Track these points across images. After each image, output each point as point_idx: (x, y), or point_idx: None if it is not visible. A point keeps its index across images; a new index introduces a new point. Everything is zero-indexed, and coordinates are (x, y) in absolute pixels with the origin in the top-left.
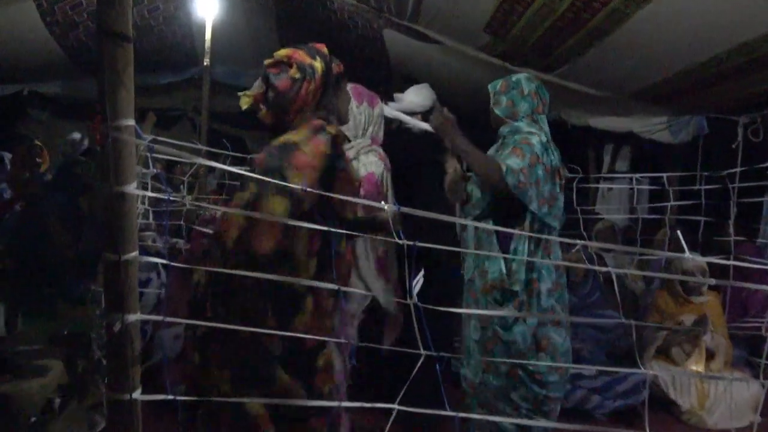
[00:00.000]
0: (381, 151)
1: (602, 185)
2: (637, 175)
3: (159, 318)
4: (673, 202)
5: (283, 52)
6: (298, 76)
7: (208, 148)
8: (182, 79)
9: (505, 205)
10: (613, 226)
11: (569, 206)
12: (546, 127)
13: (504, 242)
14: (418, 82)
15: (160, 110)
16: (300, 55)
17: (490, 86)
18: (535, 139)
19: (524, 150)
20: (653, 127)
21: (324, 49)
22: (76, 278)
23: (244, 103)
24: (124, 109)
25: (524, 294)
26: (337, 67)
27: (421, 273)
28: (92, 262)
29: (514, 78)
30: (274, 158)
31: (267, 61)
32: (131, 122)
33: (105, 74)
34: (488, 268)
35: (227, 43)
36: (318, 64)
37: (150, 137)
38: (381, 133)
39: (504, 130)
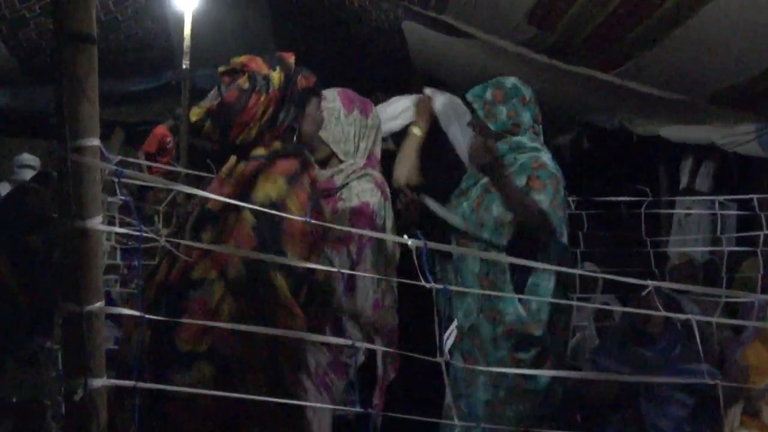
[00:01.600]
0: (378, 174)
1: (678, 210)
2: (721, 198)
3: (130, 383)
4: (766, 231)
5: (239, 59)
6: (246, 86)
7: (187, 171)
8: (156, 85)
9: (528, 235)
10: (692, 261)
11: (636, 236)
12: (542, 140)
13: (520, 278)
14: (444, 84)
15: (130, 124)
16: (256, 63)
17: (471, 94)
18: (545, 157)
19: (541, 176)
20: (739, 137)
21: (291, 58)
22: (26, 333)
23: (194, 115)
24: (87, 125)
25: (547, 339)
26: (304, 80)
27: (454, 324)
28: (46, 314)
29: (508, 84)
30: (264, 227)
31: (221, 69)
32: (95, 141)
33: (63, 83)
34: (503, 308)
35: (211, 42)
36: (275, 75)
37: (117, 158)
38: (378, 150)
39: (503, 148)
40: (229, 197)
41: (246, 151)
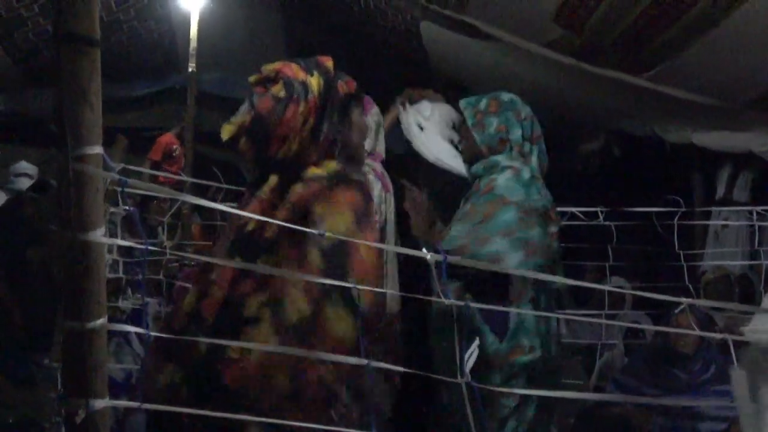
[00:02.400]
0: (378, 167)
1: (714, 221)
2: (759, 208)
3: (134, 404)
4: None
5: (271, 66)
6: (282, 94)
7: (193, 180)
8: (161, 89)
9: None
10: (728, 275)
11: (670, 250)
12: (535, 160)
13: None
14: (465, 88)
15: (134, 130)
16: (291, 69)
17: (464, 102)
18: (501, 178)
19: (485, 199)
20: None
21: (329, 62)
22: (23, 351)
23: (226, 132)
24: (89, 132)
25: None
26: (346, 85)
27: (476, 343)
28: (45, 331)
29: (506, 97)
30: (332, 271)
31: (252, 78)
32: (98, 149)
33: (64, 88)
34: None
35: (218, 44)
36: (314, 81)
37: (120, 166)
38: (382, 147)
39: (478, 168)
40: (284, 225)
41: (288, 167)
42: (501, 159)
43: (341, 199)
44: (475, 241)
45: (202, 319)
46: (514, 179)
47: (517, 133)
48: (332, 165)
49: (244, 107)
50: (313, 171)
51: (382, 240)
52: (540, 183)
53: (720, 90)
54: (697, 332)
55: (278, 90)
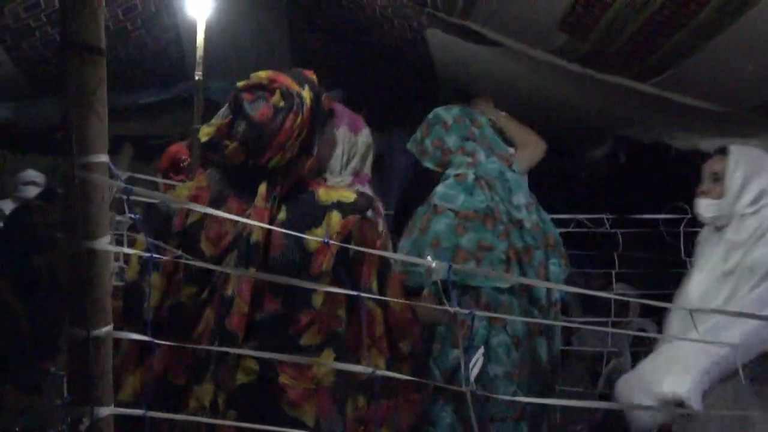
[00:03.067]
0: (367, 191)
1: None
2: None
3: (140, 412)
4: None
5: (263, 74)
6: (282, 104)
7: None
8: (168, 97)
9: None
10: None
11: (676, 257)
12: (481, 157)
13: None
14: (471, 95)
15: (139, 138)
16: (285, 79)
17: (409, 143)
18: (440, 187)
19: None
20: None
21: (313, 76)
22: (29, 359)
23: (204, 134)
24: (95, 140)
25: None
26: (327, 101)
27: (481, 350)
28: (51, 339)
29: (430, 116)
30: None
31: (240, 84)
32: (104, 158)
33: (70, 96)
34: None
35: (225, 52)
36: (306, 94)
37: (126, 174)
38: (368, 169)
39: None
40: (336, 258)
41: (276, 177)
42: (451, 171)
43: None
44: (414, 255)
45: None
46: (453, 185)
47: (451, 139)
48: (349, 195)
49: (224, 110)
50: (333, 195)
51: None
52: (490, 183)
53: (727, 96)
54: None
55: (278, 100)
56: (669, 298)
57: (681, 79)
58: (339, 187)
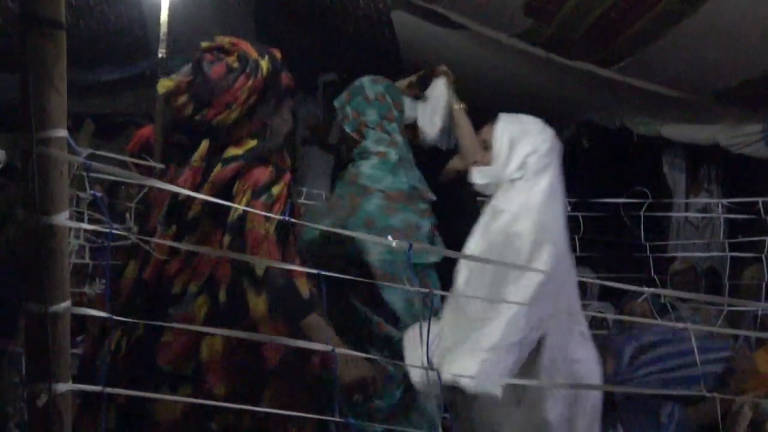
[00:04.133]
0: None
1: (679, 213)
2: (725, 201)
3: (97, 388)
4: None
5: (227, 39)
6: (236, 65)
7: (162, 166)
8: (130, 75)
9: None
10: (693, 267)
11: (636, 242)
12: (400, 138)
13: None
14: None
15: (101, 116)
16: (246, 46)
17: (336, 101)
18: (364, 166)
19: (350, 192)
20: (745, 138)
21: (278, 54)
22: None
23: (162, 87)
24: (54, 115)
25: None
26: (288, 79)
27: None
28: (10, 316)
29: (356, 83)
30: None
31: (204, 45)
32: (63, 133)
33: (28, 71)
34: None
35: (189, 29)
36: (264, 64)
37: (87, 151)
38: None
39: (355, 154)
40: (206, 204)
41: (218, 136)
42: (369, 144)
43: (252, 178)
44: (339, 236)
45: (143, 296)
46: (379, 165)
47: (372, 115)
48: (250, 143)
49: (187, 68)
50: (232, 151)
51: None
52: (408, 164)
53: (689, 83)
54: (657, 321)
55: (233, 61)
56: (628, 281)
57: (643, 65)
58: (248, 141)
